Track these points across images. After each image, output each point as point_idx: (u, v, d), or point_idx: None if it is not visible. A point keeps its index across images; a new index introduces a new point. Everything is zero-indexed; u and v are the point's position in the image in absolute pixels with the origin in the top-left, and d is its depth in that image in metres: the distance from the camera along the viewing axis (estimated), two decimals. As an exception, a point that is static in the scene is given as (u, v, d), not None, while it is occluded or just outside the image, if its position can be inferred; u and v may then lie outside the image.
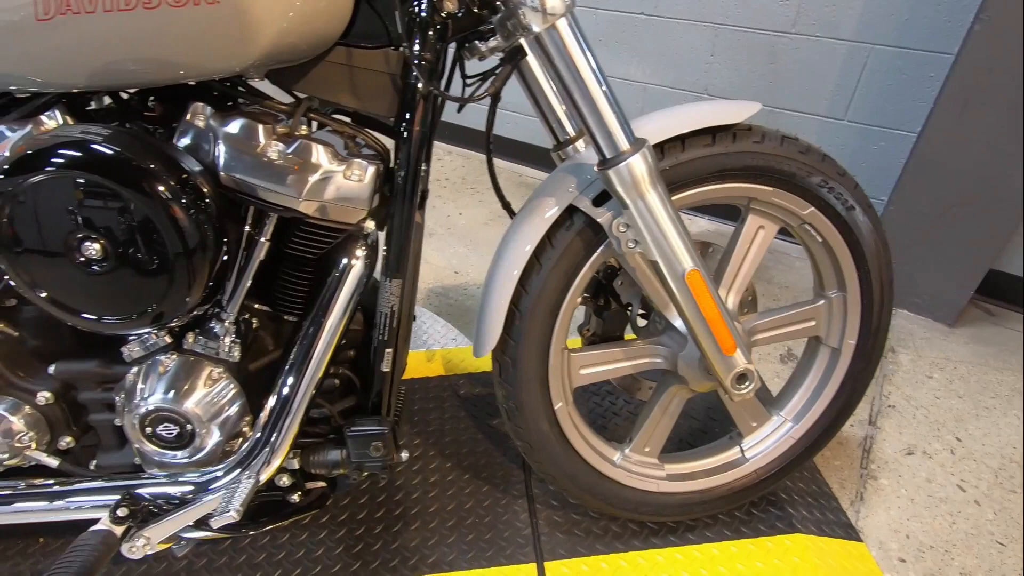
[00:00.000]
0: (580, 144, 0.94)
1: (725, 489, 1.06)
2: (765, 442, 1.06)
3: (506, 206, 0.98)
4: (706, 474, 1.06)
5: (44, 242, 0.63)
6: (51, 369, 0.82)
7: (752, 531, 1.09)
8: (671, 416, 1.02)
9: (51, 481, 0.82)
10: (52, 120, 0.68)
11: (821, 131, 1.80)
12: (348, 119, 0.82)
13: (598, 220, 0.80)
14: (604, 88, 0.69)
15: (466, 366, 1.48)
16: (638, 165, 0.72)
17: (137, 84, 0.64)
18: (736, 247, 0.93)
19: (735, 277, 0.94)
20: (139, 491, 0.75)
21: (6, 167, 0.61)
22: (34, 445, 0.82)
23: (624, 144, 0.72)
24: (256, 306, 0.82)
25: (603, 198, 0.80)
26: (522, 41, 0.75)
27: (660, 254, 0.78)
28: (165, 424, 0.75)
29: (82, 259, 0.64)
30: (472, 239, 2.07)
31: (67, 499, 0.79)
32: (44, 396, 0.82)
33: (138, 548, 0.71)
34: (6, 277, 0.78)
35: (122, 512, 0.71)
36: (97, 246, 0.63)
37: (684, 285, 0.79)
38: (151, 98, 0.75)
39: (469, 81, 0.81)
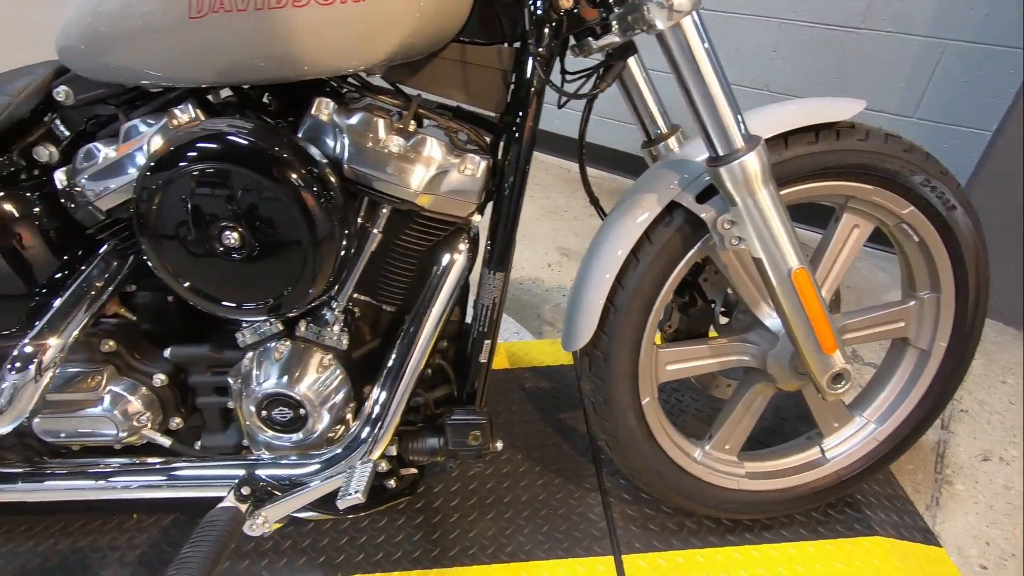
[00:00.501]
0: (673, 141, 0.94)
1: (805, 489, 1.06)
2: (847, 443, 1.06)
3: (595, 202, 0.99)
4: (786, 473, 1.06)
5: (190, 232, 0.66)
6: (166, 353, 0.85)
7: (830, 532, 1.09)
8: (754, 414, 1.02)
9: (164, 460, 0.86)
10: (185, 114, 0.71)
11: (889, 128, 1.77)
12: (450, 113, 0.84)
13: (701, 216, 0.80)
14: (724, 86, 0.69)
15: (530, 359, 1.49)
16: (752, 163, 0.72)
17: (272, 80, 0.67)
18: (829, 246, 0.92)
19: (827, 276, 0.93)
20: (257, 472, 0.78)
21: (158, 159, 0.63)
22: (149, 425, 0.86)
23: (739, 142, 0.72)
24: (357, 296, 0.84)
25: (706, 194, 0.80)
26: (618, 37, 0.75)
27: (766, 252, 0.78)
28: (280, 408, 0.78)
29: (224, 248, 0.67)
30: (525, 234, 2.08)
31: (186, 477, 0.82)
32: (159, 378, 0.86)
33: (257, 526, 0.74)
34: (128, 265, 0.82)
35: (245, 491, 0.74)
36: (237, 235, 0.66)
37: (789, 283, 0.78)
38: (266, 93, 0.78)
39: (569, 77, 0.82)
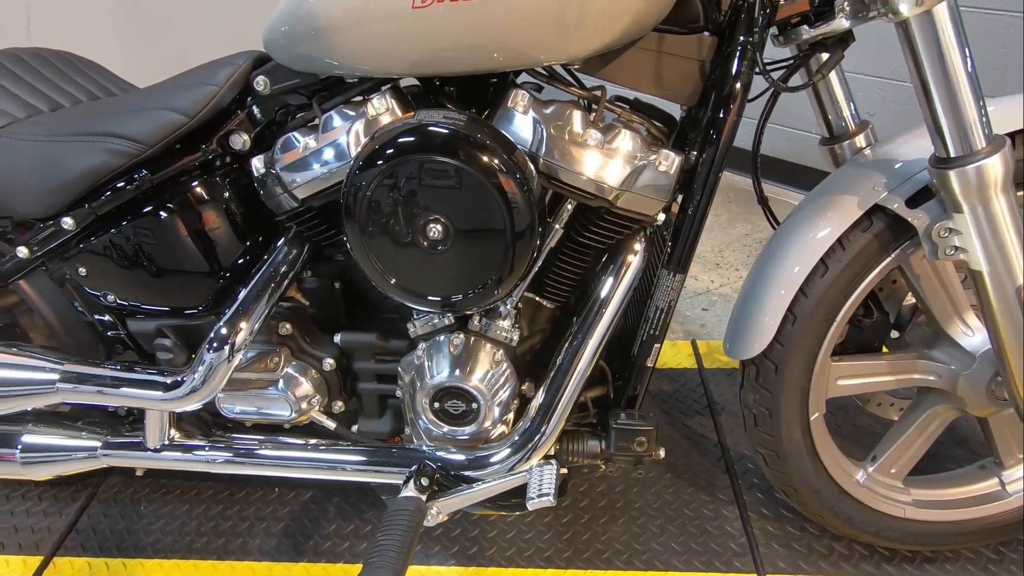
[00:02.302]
0: (861, 139, 0.87)
1: (979, 523, 0.96)
2: (1035, 477, 0.95)
3: (764, 203, 0.93)
4: (958, 504, 0.97)
5: (401, 223, 0.66)
6: (336, 338, 0.88)
7: (1003, 571, 0.99)
8: (928, 438, 0.94)
9: (332, 442, 0.88)
10: (382, 103, 0.71)
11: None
12: (627, 106, 0.80)
13: (912, 222, 0.73)
14: (973, 80, 0.62)
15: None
16: (994, 168, 0.64)
17: (478, 70, 0.66)
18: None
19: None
20: (429, 463, 0.79)
21: (376, 150, 0.64)
22: (317, 407, 0.89)
23: (980, 142, 0.64)
24: (525, 292, 0.83)
25: (916, 198, 0.73)
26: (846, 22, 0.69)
27: (990, 266, 0.70)
28: (453, 401, 0.78)
29: (429, 241, 0.67)
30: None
31: (359, 462, 0.84)
32: (328, 363, 0.88)
33: (432, 516, 0.75)
34: (305, 252, 0.84)
35: (424, 482, 0.75)
36: (441, 228, 0.66)
37: (1016, 302, 0.70)
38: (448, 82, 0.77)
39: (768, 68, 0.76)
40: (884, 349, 0.96)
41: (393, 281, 0.70)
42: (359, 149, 0.69)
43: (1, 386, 0.80)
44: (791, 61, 0.76)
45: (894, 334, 0.97)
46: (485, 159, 0.62)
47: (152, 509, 1.14)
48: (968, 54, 0.62)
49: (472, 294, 0.70)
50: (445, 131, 0.63)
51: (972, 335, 0.84)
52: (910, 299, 0.94)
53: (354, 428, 0.94)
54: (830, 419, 1.28)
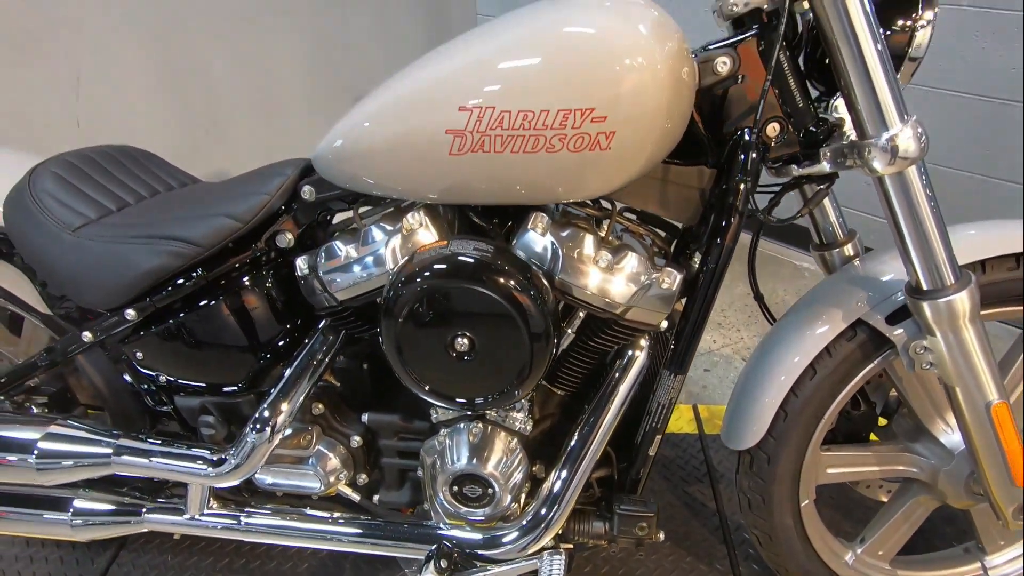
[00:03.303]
0: (850, 248, 0.95)
1: (963, 606, 1.02)
2: (1015, 564, 1.01)
3: (759, 299, 1.00)
4: (942, 587, 1.02)
5: (431, 339, 0.75)
6: (364, 417, 0.95)
7: (986, 653, 1.04)
8: (913, 524, 1.00)
9: (354, 514, 0.96)
10: (417, 221, 0.79)
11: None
12: (635, 216, 0.89)
13: (891, 338, 0.81)
14: (940, 226, 0.70)
15: (654, 425, 1.51)
16: (962, 302, 0.72)
17: (506, 203, 0.75)
18: (1019, 360, 0.90)
19: (1012, 392, 0.90)
20: (446, 543, 0.86)
21: (411, 273, 0.72)
22: (344, 481, 0.96)
23: (949, 279, 0.72)
24: (541, 382, 0.91)
25: (898, 316, 0.81)
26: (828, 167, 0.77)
27: (961, 384, 0.77)
28: (471, 485, 0.86)
29: (456, 352, 0.75)
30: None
31: (382, 536, 0.91)
32: (356, 440, 0.96)
33: (448, 596, 0.82)
34: (340, 339, 0.92)
35: (444, 563, 0.82)
36: (467, 341, 0.74)
37: (986, 417, 0.77)
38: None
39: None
40: (873, 436, 1.03)
41: (426, 387, 0.78)
42: (397, 266, 0.77)
43: (60, 458, 0.89)
44: (779, 188, 0.84)
45: (882, 421, 1.04)
46: (507, 287, 0.71)
47: (179, 560, 1.21)
48: (935, 205, 0.70)
49: (494, 398, 0.78)
50: (472, 261, 0.71)
51: (951, 433, 0.91)
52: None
53: (375, 498, 1.01)
54: (824, 493, 1.34)
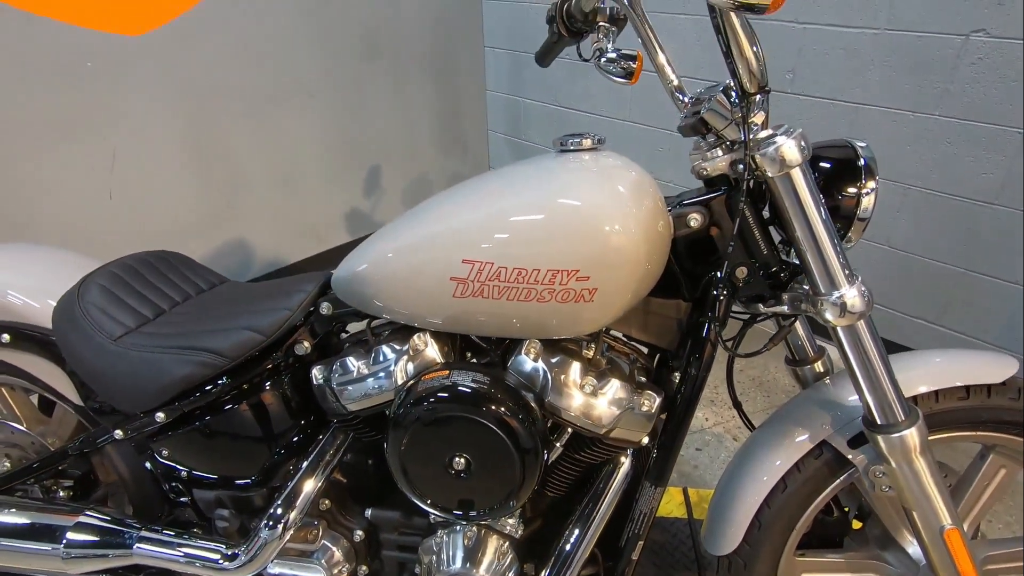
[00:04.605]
0: (819, 365, 1.03)
1: None
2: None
3: (738, 406, 1.08)
4: None
5: (431, 460, 0.83)
6: (367, 513, 1.02)
7: None
8: (886, 628, 1.04)
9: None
10: (423, 342, 0.88)
11: (1020, 299, 1.75)
12: (622, 338, 0.98)
13: (852, 461, 0.88)
14: (888, 370, 0.79)
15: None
16: (912, 438, 0.79)
17: (503, 336, 0.84)
18: (974, 483, 0.96)
19: (971, 510, 0.97)
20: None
21: (416, 399, 0.81)
22: (346, 573, 1.02)
23: (899, 415, 0.80)
24: (531, 487, 0.98)
25: (859, 440, 0.88)
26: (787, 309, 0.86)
27: (917, 508, 0.84)
28: (464, 586, 0.92)
29: (454, 471, 0.83)
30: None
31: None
32: (358, 534, 1.02)
33: None
34: (349, 440, 1.00)
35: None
36: (463, 461, 0.82)
37: (940, 540, 0.84)
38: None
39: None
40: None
41: (427, 501, 0.86)
42: (404, 387, 0.86)
43: (87, 547, 0.96)
44: (744, 323, 0.93)
45: (856, 524, 1.09)
46: (501, 415, 0.79)
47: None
48: (883, 350, 0.79)
49: (488, 510, 0.85)
50: (469, 392, 0.80)
51: (916, 545, 0.97)
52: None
53: (373, 589, 1.07)
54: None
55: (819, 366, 1.03)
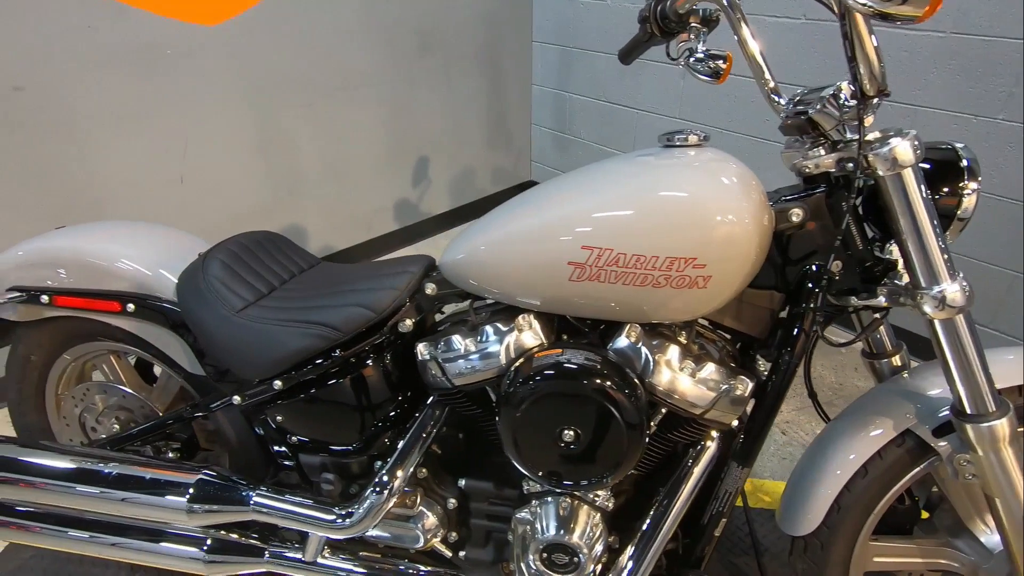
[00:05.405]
0: (898, 359, 1.07)
1: None
2: (1050, 660, 1.08)
3: (813, 396, 1.12)
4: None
5: (542, 430, 0.89)
6: (460, 483, 1.09)
7: None
8: (954, 615, 1.08)
9: (441, 569, 1.09)
10: (527, 323, 0.94)
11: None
12: (711, 326, 1.03)
13: (937, 449, 0.92)
14: (983, 361, 0.83)
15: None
16: (1002, 428, 0.83)
17: (607, 319, 0.90)
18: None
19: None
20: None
21: (529, 375, 0.87)
22: (439, 538, 1.09)
23: (991, 406, 0.84)
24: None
25: (943, 430, 0.92)
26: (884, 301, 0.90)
27: (1002, 497, 0.88)
28: (558, 553, 0.98)
29: (563, 443, 0.89)
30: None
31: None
32: (452, 502, 1.09)
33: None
34: (446, 412, 1.07)
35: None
36: (573, 433, 0.88)
37: (1021, 523, 0.88)
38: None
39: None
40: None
41: (534, 470, 0.92)
42: (515, 364, 0.92)
43: (208, 502, 1.04)
44: (829, 314, 0.97)
45: (924, 514, 1.13)
46: (610, 390, 0.85)
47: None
48: (979, 344, 0.82)
49: (593, 481, 0.91)
50: (582, 369, 0.86)
51: (991, 533, 1.01)
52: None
53: (461, 554, 1.14)
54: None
55: (897, 360, 1.07)
